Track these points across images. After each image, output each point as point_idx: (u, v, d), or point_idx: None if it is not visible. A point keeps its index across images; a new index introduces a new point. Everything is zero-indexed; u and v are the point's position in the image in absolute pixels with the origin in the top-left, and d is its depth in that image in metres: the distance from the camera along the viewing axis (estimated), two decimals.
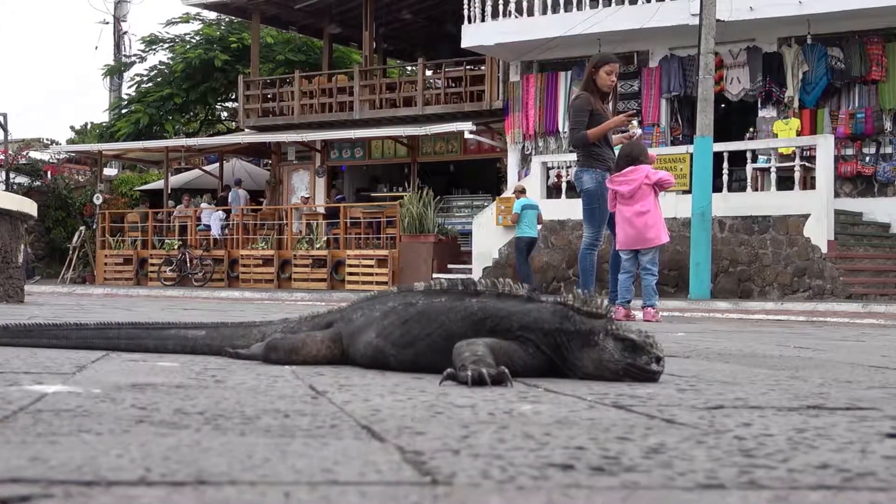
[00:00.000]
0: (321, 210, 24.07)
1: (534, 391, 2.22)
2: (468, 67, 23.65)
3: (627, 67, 19.73)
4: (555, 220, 18.50)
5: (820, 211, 16.25)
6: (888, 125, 18.00)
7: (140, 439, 1.42)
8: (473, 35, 20.88)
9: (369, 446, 1.41)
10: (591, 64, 8.23)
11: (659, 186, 7.97)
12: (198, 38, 32.28)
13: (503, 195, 20.12)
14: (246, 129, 26.48)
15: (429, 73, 26.20)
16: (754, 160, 17.19)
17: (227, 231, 24.55)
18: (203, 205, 26.45)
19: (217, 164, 28.08)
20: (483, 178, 24.37)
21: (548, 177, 19.30)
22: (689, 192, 16.29)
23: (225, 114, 35.77)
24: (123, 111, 32.36)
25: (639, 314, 8.12)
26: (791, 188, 16.74)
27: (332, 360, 2.82)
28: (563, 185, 18.69)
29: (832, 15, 17.56)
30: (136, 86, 32.93)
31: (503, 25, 20.54)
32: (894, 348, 4.58)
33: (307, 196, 25.18)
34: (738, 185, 17.43)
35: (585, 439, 1.51)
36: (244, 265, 23.21)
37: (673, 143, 19.39)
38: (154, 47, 33.63)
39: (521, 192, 17.58)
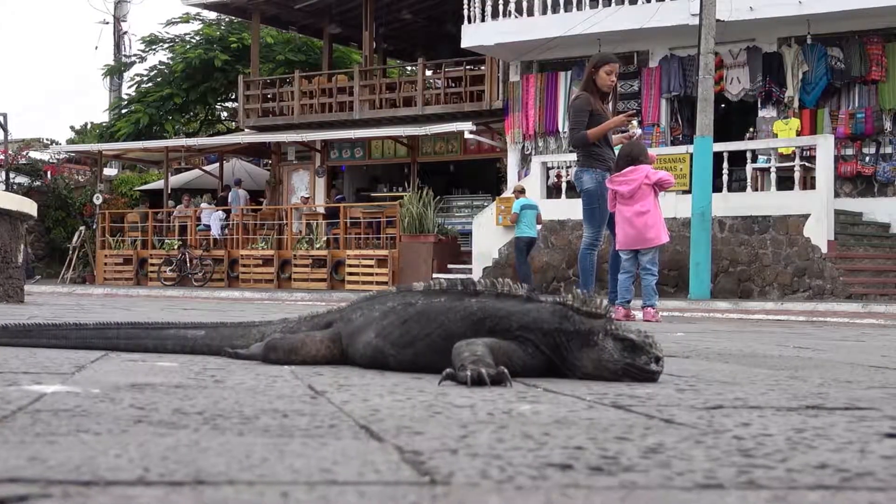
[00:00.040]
0: (321, 210, 24.07)
1: (533, 391, 2.22)
2: (468, 67, 23.65)
3: (627, 67, 19.73)
4: (555, 220, 18.51)
5: (820, 211, 16.25)
6: (888, 125, 18.00)
7: (138, 439, 1.41)
8: (473, 35, 20.88)
9: (368, 446, 1.41)
10: (590, 64, 8.23)
11: (659, 186, 7.97)
12: (198, 38, 32.29)
13: (503, 195, 20.12)
14: (246, 129, 26.49)
15: (429, 73, 26.20)
16: (754, 160, 17.20)
17: (227, 231, 24.55)
18: (203, 205, 26.46)
19: (217, 164, 28.08)
20: (483, 178, 24.37)
21: (548, 177, 19.30)
22: (689, 192, 16.29)
23: (225, 114, 35.78)
24: (123, 111, 32.37)
25: (638, 314, 8.12)
26: (791, 188, 16.75)
27: (331, 360, 2.82)
28: (563, 185, 18.69)
29: (832, 15, 17.56)
30: (136, 86, 32.95)
31: (503, 25, 20.54)
32: (894, 348, 4.58)
33: (307, 196, 25.18)
34: (738, 185, 17.43)
35: (584, 439, 1.51)
36: (244, 265, 23.22)
37: (673, 143, 19.39)
38: (154, 47, 33.64)
39: (520, 192, 17.58)
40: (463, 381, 2.26)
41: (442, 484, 1.15)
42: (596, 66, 8.06)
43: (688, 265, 15.99)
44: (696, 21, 16.48)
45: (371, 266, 21.31)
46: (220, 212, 24.94)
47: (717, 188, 16.41)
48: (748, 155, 17.18)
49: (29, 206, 9.22)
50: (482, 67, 23.20)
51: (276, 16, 27.41)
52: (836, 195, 17.44)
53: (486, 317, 2.55)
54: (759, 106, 19.18)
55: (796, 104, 18.53)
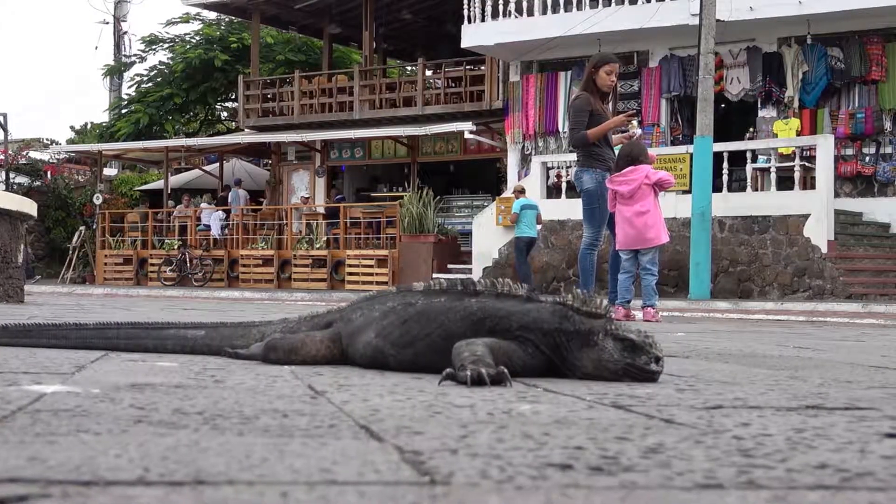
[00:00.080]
0: (321, 210, 24.07)
1: (533, 391, 2.22)
2: (468, 67, 23.65)
3: (627, 67, 19.73)
4: (555, 220, 18.51)
5: (820, 211, 16.25)
6: (888, 125, 18.00)
7: (138, 439, 1.41)
8: (473, 35, 20.89)
9: (368, 446, 1.41)
10: (590, 64, 8.23)
11: (659, 186, 7.97)
12: (198, 38, 32.29)
13: (503, 195, 20.12)
14: (246, 129, 26.49)
15: (429, 73, 26.20)
16: (754, 160, 17.20)
17: (227, 231, 24.56)
18: (203, 205, 26.46)
19: (217, 164, 28.08)
20: (483, 178, 24.37)
21: (548, 177, 19.30)
22: (689, 192, 16.29)
23: (225, 114, 35.78)
24: (123, 111, 32.37)
25: (639, 314, 8.12)
26: (791, 188, 16.75)
27: (331, 360, 2.82)
28: (563, 185, 18.69)
29: (832, 15, 17.56)
30: (136, 86, 32.95)
31: (503, 25, 20.55)
32: (894, 348, 4.58)
33: (307, 196, 25.18)
34: (738, 185, 17.43)
35: (584, 439, 1.51)
36: (244, 265, 23.22)
37: (673, 143, 19.39)
38: (154, 47, 33.64)
39: (520, 192, 17.58)
40: (463, 381, 2.25)
41: (442, 484, 1.15)
42: (596, 66, 8.06)
43: (688, 265, 16.00)
44: (696, 21, 16.48)
45: (371, 266, 21.31)
46: (220, 212, 24.94)
47: (717, 188, 16.41)
48: (748, 155, 17.18)
49: (29, 206, 9.22)
50: (482, 67, 23.20)
51: (276, 16, 27.41)
52: (836, 195, 17.44)
53: (486, 317, 2.55)
54: (759, 106, 19.18)
55: (796, 104, 18.53)
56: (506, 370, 2.29)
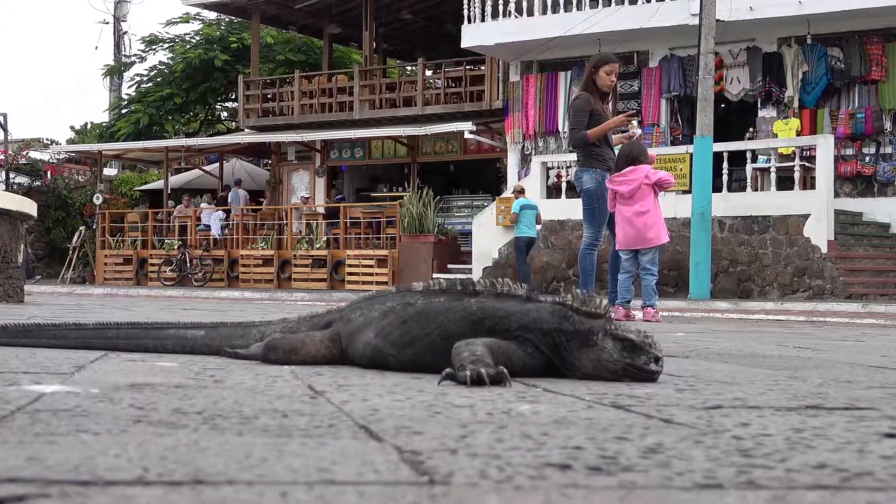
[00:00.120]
0: (321, 210, 24.07)
1: (532, 391, 2.22)
2: (468, 67, 23.65)
3: (627, 67, 19.73)
4: (555, 220, 18.51)
5: (820, 211, 16.25)
6: (888, 125, 18.00)
7: (138, 439, 1.41)
8: (473, 35, 20.89)
9: (367, 446, 1.41)
10: (590, 64, 8.23)
11: (659, 186, 7.97)
12: (198, 38, 32.29)
13: (503, 195, 20.12)
14: (246, 129, 26.49)
15: (429, 73, 26.21)
16: (754, 160, 17.20)
17: (227, 231, 24.56)
18: (203, 205, 26.46)
19: (217, 164, 28.09)
20: (483, 178, 24.37)
21: (548, 177, 19.30)
22: (689, 192, 16.29)
23: (225, 114, 35.79)
24: (123, 111, 32.37)
25: (638, 314, 8.12)
26: (791, 188, 16.75)
27: (331, 360, 2.82)
28: (563, 185, 18.69)
29: (832, 15, 17.56)
30: (136, 86, 32.95)
31: (503, 25, 20.55)
32: (894, 348, 4.58)
33: (307, 196, 25.18)
34: (738, 185, 17.43)
35: (583, 439, 1.51)
36: (244, 265, 23.22)
37: (673, 143, 19.39)
38: (154, 47, 33.65)
39: (519, 192, 17.58)
40: (462, 381, 2.25)
41: (441, 484, 1.15)
42: (596, 66, 8.06)
43: (688, 265, 16.00)
44: (696, 21, 16.49)
45: (371, 266, 21.31)
46: (220, 212, 24.94)
47: (717, 188, 16.41)
48: (748, 155, 17.18)
49: (29, 206, 9.22)
50: (482, 67, 23.20)
51: (276, 16, 27.41)
52: (836, 195, 17.44)
53: (486, 317, 2.55)
54: (759, 106, 19.18)
55: (796, 104, 18.53)
56: (505, 370, 2.29)
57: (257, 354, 2.91)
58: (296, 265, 22.38)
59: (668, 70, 19.89)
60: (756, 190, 17.17)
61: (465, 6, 20.96)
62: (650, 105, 20.03)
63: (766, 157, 17.23)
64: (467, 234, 21.34)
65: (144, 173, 32.21)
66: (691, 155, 16.41)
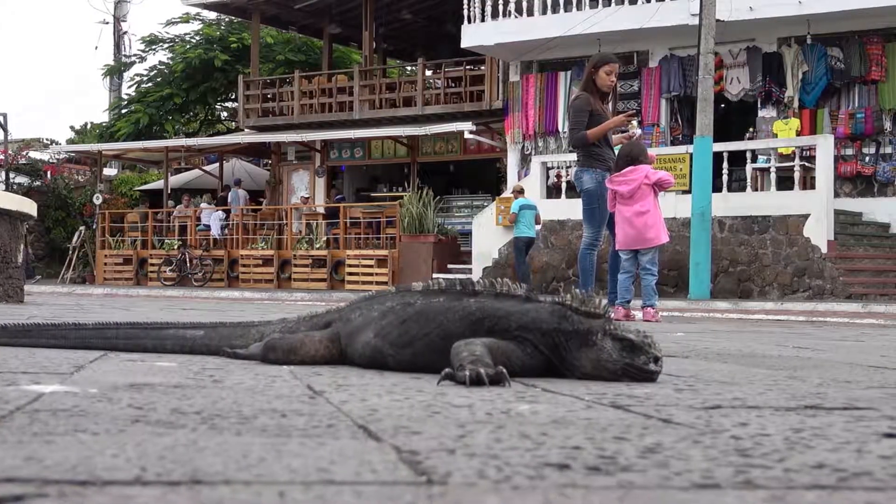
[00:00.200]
0: (321, 210, 24.07)
1: (531, 391, 2.22)
2: (468, 67, 23.66)
3: (627, 67, 19.73)
4: (554, 220, 18.51)
5: (820, 211, 16.25)
6: (888, 125, 18.00)
7: (136, 439, 1.41)
8: (473, 35, 20.89)
9: (365, 446, 1.41)
10: (590, 64, 8.23)
11: (658, 186, 7.97)
12: (198, 38, 32.30)
13: (503, 195, 20.12)
14: (246, 129, 26.49)
15: (429, 73, 26.21)
16: (754, 160, 17.20)
17: (226, 231, 24.56)
18: (203, 205, 26.46)
19: (217, 164, 28.09)
20: (483, 178, 24.37)
21: (547, 177, 19.30)
22: (688, 192, 16.29)
23: (225, 114, 35.79)
24: (123, 111, 32.37)
25: (638, 314, 8.12)
26: (791, 188, 16.75)
27: (330, 360, 2.82)
28: (563, 185, 18.69)
29: (832, 15, 17.56)
30: (136, 86, 32.96)
31: (503, 25, 20.55)
32: (893, 348, 4.58)
33: (307, 196, 25.19)
34: (737, 185, 17.43)
35: (582, 439, 1.51)
36: (244, 265, 23.22)
37: (673, 143, 19.39)
38: (154, 47, 33.65)
39: (519, 192, 17.59)
40: (461, 381, 2.25)
41: (439, 484, 1.15)
42: (596, 67, 8.06)
43: (688, 265, 16.00)
44: (696, 21, 16.48)
45: (371, 266, 21.31)
46: (220, 212, 24.94)
47: (716, 188, 16.41)
48: (748, 155, 17.18)
49: (29, 206, 9.22)
50: (482, 67, 23.20)
51: (276, 16, 27.41)
52: (836, 195, 17.44)
53: (485, 317, 2.55)
54: (759, 106, 19.19)
55: (796, 104, 18.53)
56: (504, 370, 2.29)
57: (256, 354, 2.91)
58: (296, 265, 22.38)
59: (668, 70, 19.89)
60: (756, 190, 17.17)
61: (465, 6, 20.96)
62: (650, 105, 20.03)
63: (766, 157, 17.24)
64: (467, 234, 21.35)
65: (144, 173, 32.21)
66: (691, 155, 16.41)
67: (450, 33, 24.18)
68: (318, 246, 22.45)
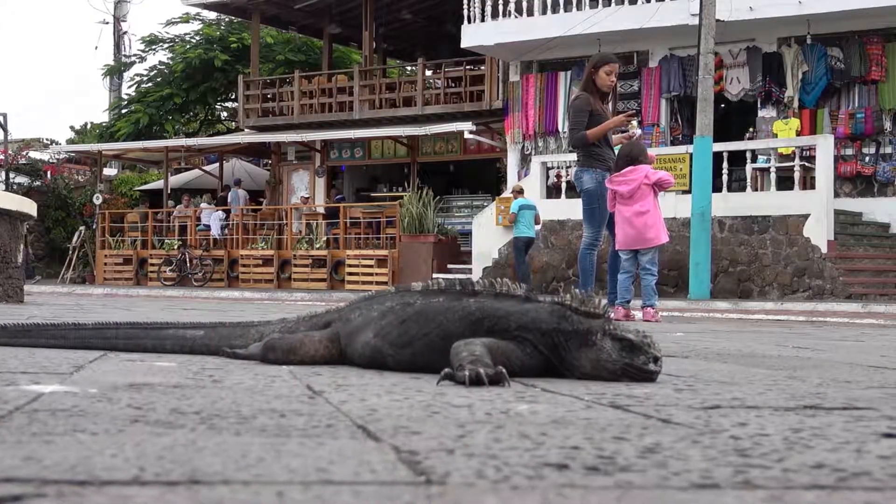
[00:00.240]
0: (321, 210, 24.07)
1: (531, 391, 2.22)
2: (468, 67, 23.66)
3: (627, 67, 19.73)
4: (554, 220, 18.51)
5: (820, 211, 16.25)
6: (888, 125, 18.00)
7: (135, 439, 1.41)
8: (473, 35, 20.89)
9: (365, 446, 1.41)
10: (590, 64, 8.23)
11: (658, 186, 7.97)
12: (198, 38, 32.30)
13: (503, 195, 20.12)
14: (246, 129, 26.49)
15: (429, 73, 26.21)
16: (754, 160, 17.20)
17: (226, 231, 24.56)
18: (203, 205, 26.46)
19: (217, 164, 28.09)
20: (483, 178, 24.37)
21: (547, 177, 19.30)
22: (688, 192, 16.29)
23: (225, 114, 35.79)
24: (123, 111, 32.38)
25: (638, 314, 8.12)
26: (791, 188, 16.75)
27: (329, 360, 2.82)
28: (563, 185, 18.69)
29: (832, 15, 17.57)
30: (135, 86, 32.96)
31: (503, 25, 20.55)
32: (893, 348, 4.58)
33: (307, 196, 25.19)
34: (737, 185, 17.43)
35: (581, 439, 1.51)
36: (244, 265, 23.22)
37: (673, 143, 19.39)
38: (154, 47, 33.65)
39: (518, 192, 17.59)
40: (461, 381, 2.25)
41: (438, 484, 1.15)
42: (595, 67, 8.06)
43: (688, 265, 15.99)
44: (696, 21, 16.48)
45: (371, 266, 21.31)
46: (220, 212, 24.94)
47: (716, 188, 16.41)
48: (748, 155, 17.18)
49: (29, 206, 9.22)
50: (482, 67, 23.20)
51: (276, 16, 27.41)
52: (836, 195, 17.44)
53: (485, 317, 2.55)
54: (759, 106, 19.19)
55: (796, 104, 18.53)
56: (504, 370, 2.29)
57: (256, 354, 2.91)
58: (296, 265, 22.39)
59: (668, 70, 19.89)
60: (756, 190, 17.17)
61: (465, 6, 20.96)
62: (650, 105, 20.03)
63: (765, 157, 17.24)
64: (467, 234, 21.35)
65: (144, 173, 32.21)
66: (691, 155, 16.41)
67: (450, 33, 24.18)
68: (318, 246, 22.45)
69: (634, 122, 8.71)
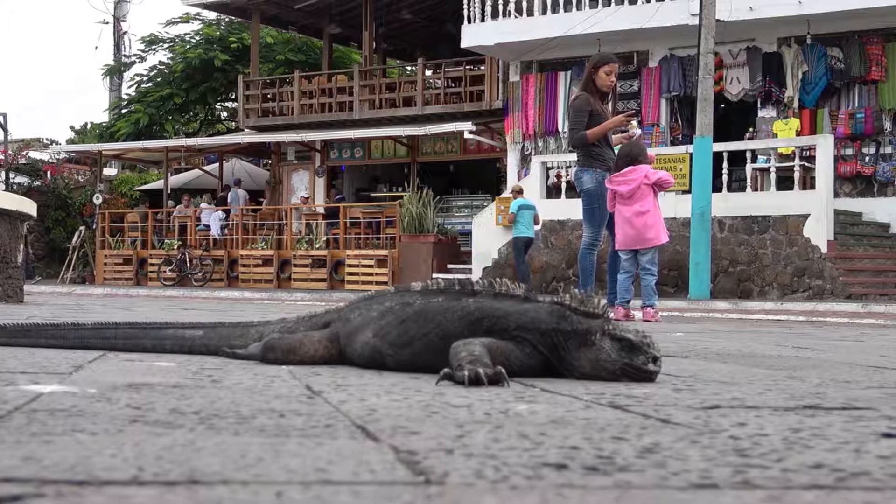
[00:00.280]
0: (321, 210, 24.07)
1: (530, 391, 2.22)
2: (468, 67, 23.66)
3: (627, 67, 19.73)
4: (554, 220, 18.51)
5: (819, 211, 16.25)
6: (888, 125, 18.00)
7: (134, 439, 1.41)
8: (473, 35, 20.89)
9: (364, 446, 1.41)
10: (590, 64, 8.23)
11: (658, 186, 7.97)
12: (198, 38, 32.29)
13: (503, 195, 20.12)
14: (246, 129, 26.49)
15: (428, 73, 26.21)
16: (754, 160, 17.20)
17: (226, 231, 24.56)
18: (203, 205, 26.46)
19: (217, 164, 28.09)
20: (483, 178, 24.37)
21: (547, 177, 19.30)
22: (688, 192, 16.29)
23: (225, 114, 35.79)
24: (123, 111, 32.38)
25: (638, 314, 8.12)
26: (791, 188, 16.75)
27: (329, 360, 2.82)
28: (563, 185, 18.69)
29: (832, 15, 17.57)
30: (135, 86, 32.96)
31: (503, 25, 20.55)
32: (893, 348, 4.58)
33: (307, 196, 25.19)
34: (737, 185, 17.43)
35: (580, 439, 1.51)
36: (244, 265, 23.22)
37: (673, 143, 19.39)
38: (154, 47, 33.65)
39: (518, 192, 17.58)
40: (460, 381, 2.25)
41: (436, 484, 1.15)
42: (595, 67, 8.06)
43: (688, 265, 15.99)
44: (695, 21, 16.48)
45: (371, 266, 21.31)
46: (220, 212, 24.94)
47: (716, 188, 16.41)
48: (748, 155, 17.18)
49: (29, 206, 9.22)
50: (482, 67, 23.20)
51: (276, 16, 27.41)
52: (836, 195, 17.44)
53: (484, 317, 2.55)
54: (759, 106, 19.19)
55: (796, 104, 18.54)
56: (503, 370, 2.29)
57: (255, 354, 2.90)
58: (296, 265, 22.39)
59: (668, 70, 19.89)
60: (756, 190, 17.17)
61: (465, 6, 20.96)
62: (650, 105, 20.03)
63: (765, 157, 17.24)
64: (467, 234, 21.35)
65: (144, 173, 32.21)
66: (691, 155, 16.41)
67: (450, 33, 24.18)
68: (317, 246, 22.45)
69: (634, 122, 8.70)
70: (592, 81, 8.06)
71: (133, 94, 32.88)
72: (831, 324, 9.07)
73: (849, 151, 18.19)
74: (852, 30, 18.14)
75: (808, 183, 16.79)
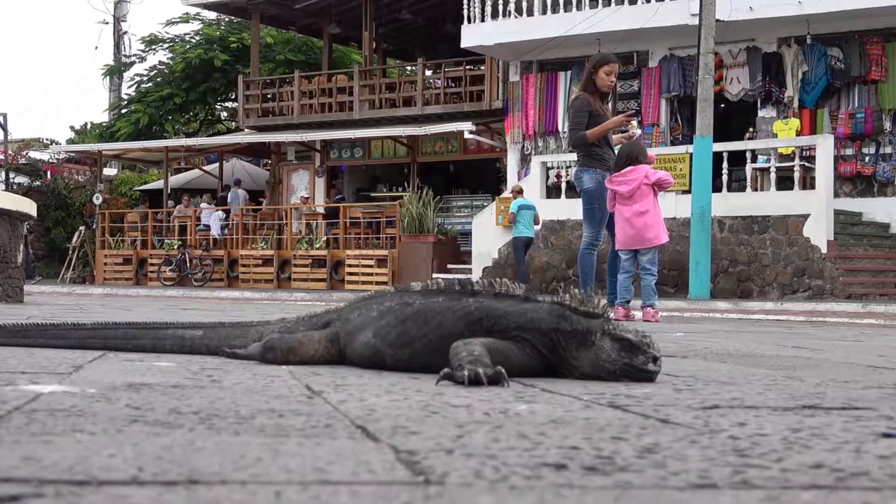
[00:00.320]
0: (321, 210, 24.07)
1: (530, 391, 2.22)
2: (468, 67, 23.65)
3: (627, 67, 19.73)
4: (554, 220, 18.50)
5: (819, 211, 16.25)
6: (888, 125, 18.00)
7: (133, 439, 1.41)
8: (473, 35, 20.89)
9: (363, 446, 1.41)
10: (590, 64, 8.23)
11: (658, 186, 7.97)
12: (198, 38, 32.30)
13: (503, 195, 20.12)
14: (246, 129, 26.49)
15: (428, 73, 26.21)
16: (754, 160, 17.20)
17: (226, 231, 24.56)
18: (203, 205, 26.46)
19: (217, 164, 28.09)
20: (483, 178, 24.37)
21: (547, 177, 19.30)
22: (688, 192, 16.30)
23: (225, 114, 35.78)
24: (123, 111, 32.37)
25: (638, 314, 8.12)
26: (791, 188, 16.75)
27: (329, 360, 2.82)
28: (563, 185, 18.69)
29: (832, 15, 17.57)
30: (135, 86, 32.96)
31: (503, 25, 20.55)
32: (892, 348, 4.58)
33: (307, 196, 25.19)
34: (737, 185, 17.43)
35: (580, 439, 1.51)
36: (244, 265, 23.22)
37: (673, 143, 19.39)
38: (154, 47, 33.65)
39: (518, 192, 17.58)
40: (460, 381, 2.25)
41: (436, 484, 1.15)
42: (595, 67, 8.06)
43: (688, 265, 15.99)
44: (695, 21, 16.48)
45: (371, 266, 21.31)
46: (220, 212, 24.94)
47: (716, 188, 16.41)
48: (748, 155, 17.18)
49: (29, 206, 9.22)
50: (482, 67, 23.20)
51: (276, 16, 27.41)
52: (836, 195, 17.44)
53: (484, 317, 2.55)
54: (759, 106, 19.19)
55: (796, 104, 18.54)
56: (503, 370, 2.29)
57: (255, 354, 2.90)
58: (295, 265, 22.39)
59: (668, 70, 19.89)
60: (756, 190, 17.17)
61: (465, 6, 20.96)
62: (650, 105, 20.03)
63: (765, 157, 17.23)
64: (467, 234, 21.34)
65: (144, 173, 32.22)
66: (691, 155, 16.41)
67: (450, 33, 24.18)
68: (317, 246, 22.45)
69: (634, 122, 8.70)
70: (592, 81, 8.06)
71: (133, 94, 32.88)
72: (831, 324, 9.07)
73: (849, 151, 18.19)
74: (852, 30, 18.14)
75: (808, 183, 16.79)
